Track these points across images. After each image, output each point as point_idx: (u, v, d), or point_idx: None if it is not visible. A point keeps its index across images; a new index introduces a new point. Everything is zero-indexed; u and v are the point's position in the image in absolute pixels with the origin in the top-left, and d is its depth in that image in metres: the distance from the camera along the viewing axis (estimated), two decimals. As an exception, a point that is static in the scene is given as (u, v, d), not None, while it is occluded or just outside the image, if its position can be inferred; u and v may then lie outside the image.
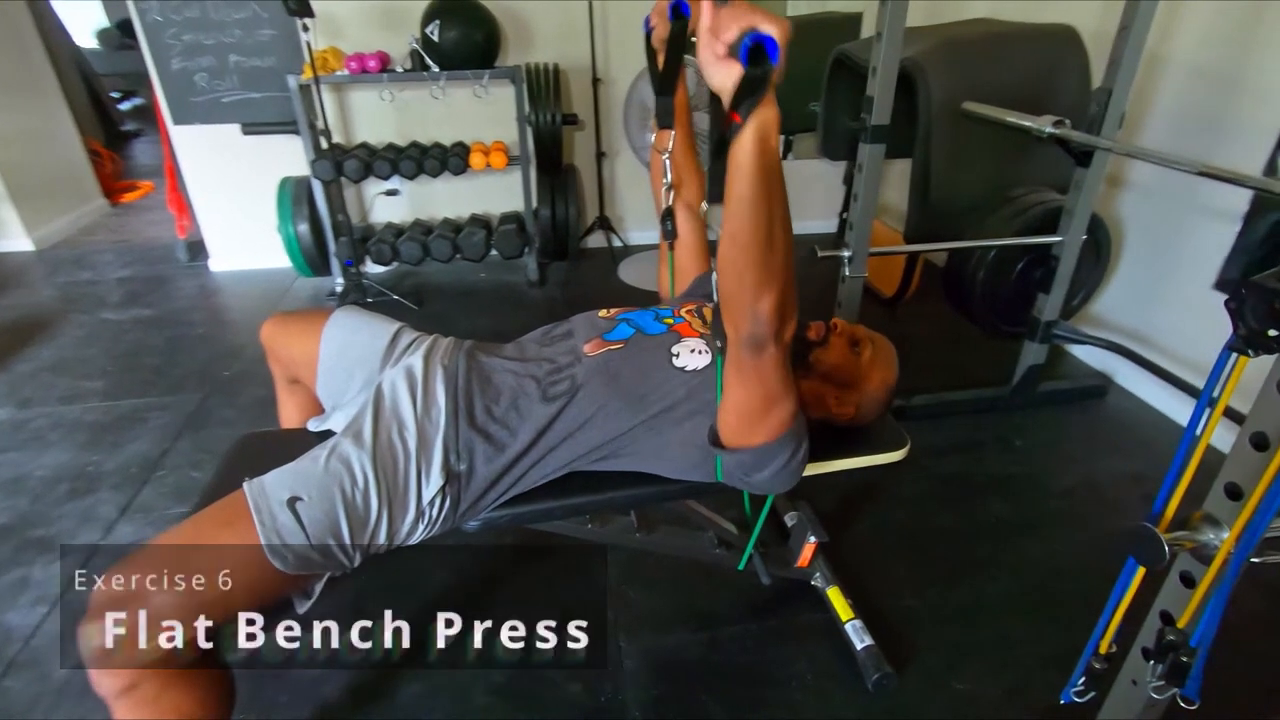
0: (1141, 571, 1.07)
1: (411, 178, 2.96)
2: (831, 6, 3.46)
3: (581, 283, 3.30)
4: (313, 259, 3.06)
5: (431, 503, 1.04)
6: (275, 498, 0.93)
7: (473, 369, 1.17)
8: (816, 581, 1.55)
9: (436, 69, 2.79)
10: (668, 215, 1.32)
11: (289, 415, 1.48)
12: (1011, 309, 2.19)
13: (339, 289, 3.06)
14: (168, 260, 3.49)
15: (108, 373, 2.50)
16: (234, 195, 3.25)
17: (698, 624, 1.53)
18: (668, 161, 1.25)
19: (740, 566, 1.48)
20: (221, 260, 3.43)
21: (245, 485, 0.95)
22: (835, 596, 1.51)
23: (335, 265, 3.08)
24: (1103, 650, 1.17)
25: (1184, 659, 0.98)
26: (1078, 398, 2.29)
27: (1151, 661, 1.02)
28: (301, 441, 1.35)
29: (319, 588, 0.98)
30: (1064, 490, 1.92)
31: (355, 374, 1.25)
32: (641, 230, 3.65)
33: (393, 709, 1.33)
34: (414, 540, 1.06)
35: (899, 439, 1.35)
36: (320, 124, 2.75)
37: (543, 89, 2.90)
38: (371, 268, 3.25)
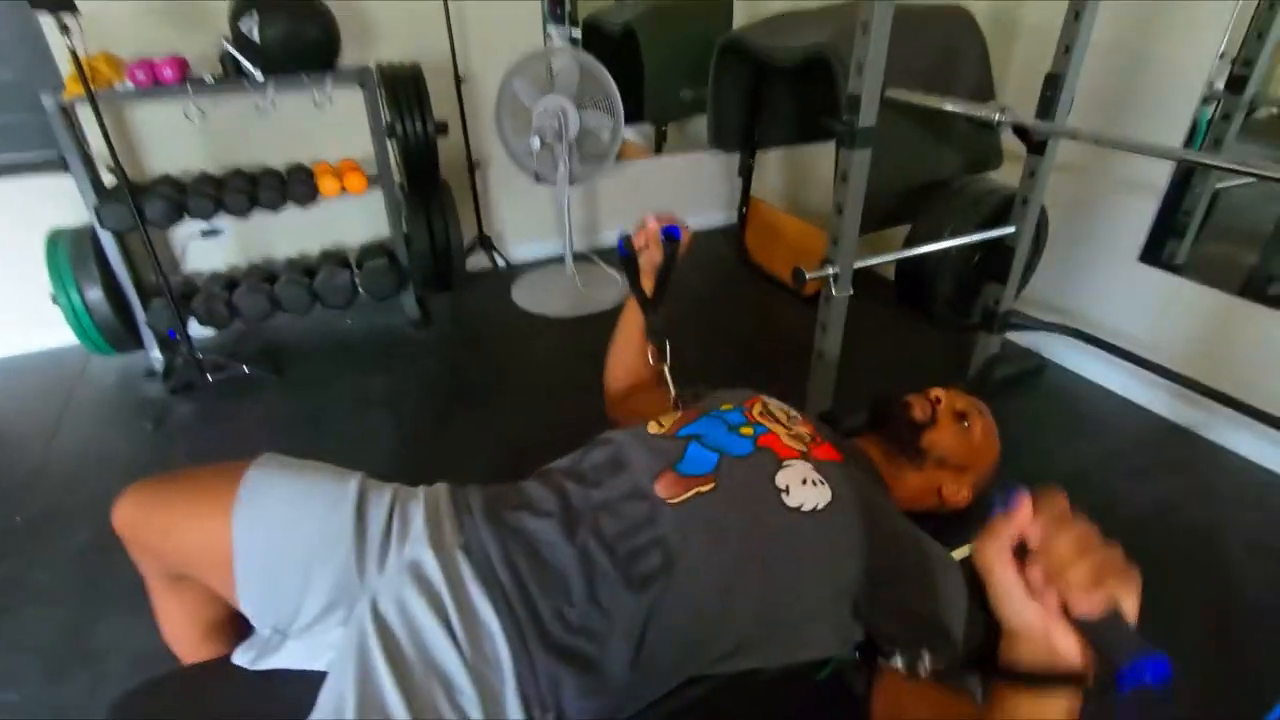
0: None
1: (244, 214, 2.32)
2: (701, -13, 3.23)
3: (475, 317, 2.84)
4: (113, 332, 2.32)
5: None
6: None
7: (510, 545, 0.79)
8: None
9: (259, 75, 2.18)
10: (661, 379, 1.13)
11: (176, 623, 1.00)
12: (969, 302, 2.13)
13: (158, 368, 2.35)
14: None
15: None
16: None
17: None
18: (668, 373, 1.13)
19: (821, 675, 1.23)
20: (-35, 348, 2.52)
21: None
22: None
23: (148, 336, 2.36)
24: None
25: None
26: (1024, 381, 2.30)
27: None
28: (225, 687, 0.89)
29: None
30: (1030, 475, 1.88)
31: (312, 580, 0.81)
32: (525, 244, 3.23)
33: None
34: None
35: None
36: (102, 156, 2.04)
37: (405, 93, 2.39)
38: (198, 329, 2.55)
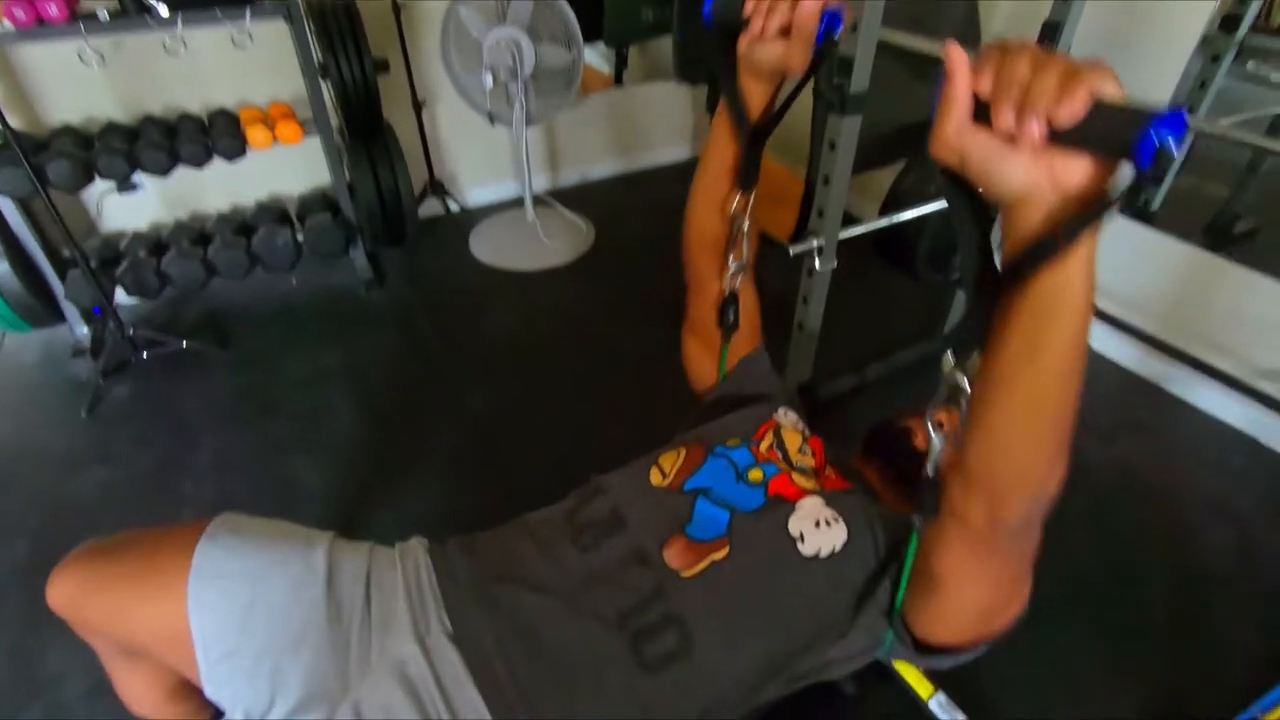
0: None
1: (165, 173, 2.07)
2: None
3: (432, 274, 2.66)
4: (27, 308, 2.10)
5: None
6: None
7: (505, 632, 0.73)
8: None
9: (163, 10, 1.89)
10: (730, 303, 0.92)
11: (136, 692, 0.93)
12: (951, 258, 2.07)
13: (86, 345, 2.15)
14: None
15: None
16: None
17: None
18: (746, 229, 0.88)
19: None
20: None
21: None
22: (904, 668, 1.33)
23: (71, 311, 2.15)
24: None
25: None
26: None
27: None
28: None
29: None
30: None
31: (284, 672, 0.74)
32: (481, 187, 3.02)
33: None
34: None
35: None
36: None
37: (337, 27, 2.12)
38: (124, 298, 2.33)
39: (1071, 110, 0.41)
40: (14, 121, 1.93)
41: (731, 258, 0.92)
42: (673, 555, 0.76)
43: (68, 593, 0.77)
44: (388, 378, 2.14)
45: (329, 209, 2.45)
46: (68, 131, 2.09)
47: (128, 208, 2.39)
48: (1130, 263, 2.07)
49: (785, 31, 0.71)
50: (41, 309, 2.12)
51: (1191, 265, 1.96)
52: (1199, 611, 1.48)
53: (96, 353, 2.10)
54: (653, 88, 3.19)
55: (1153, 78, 1.89)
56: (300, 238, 2.35)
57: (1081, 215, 0.45)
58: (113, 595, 0.77)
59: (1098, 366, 2.17)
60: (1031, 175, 0.46)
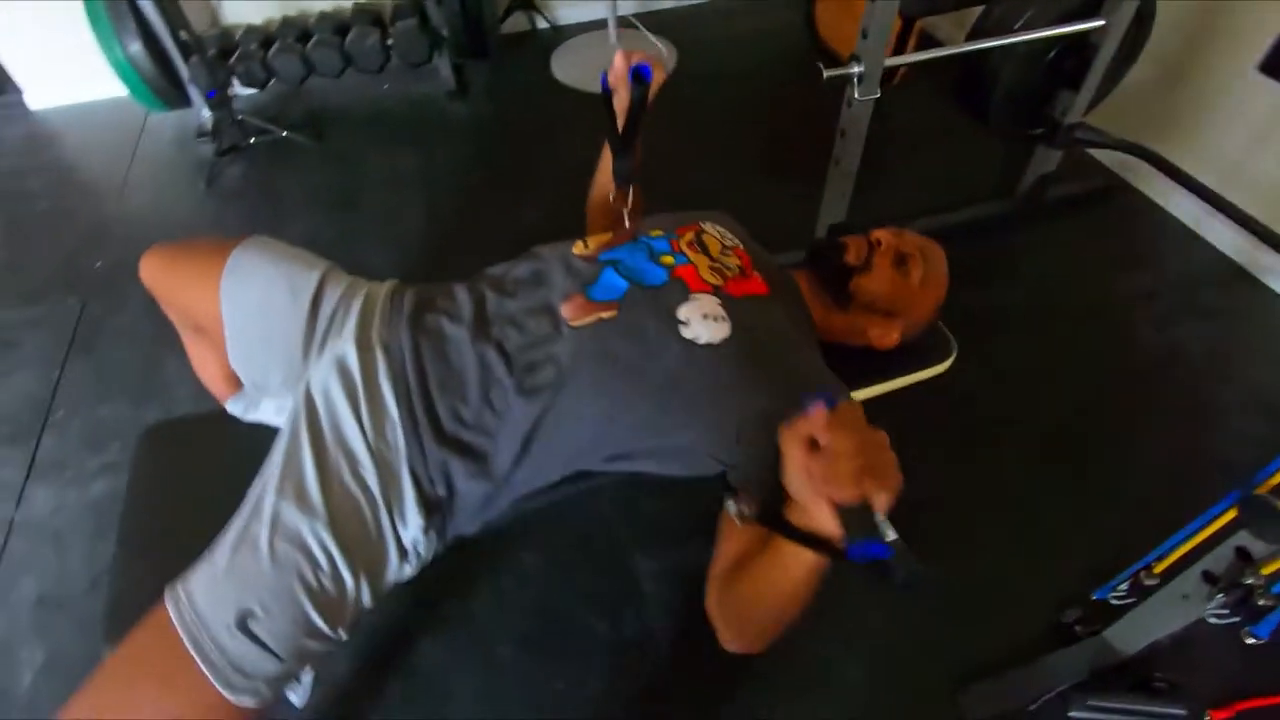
0: (1231, 514, 0.99)
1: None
2: None
3: (512, 90, 2.72)
4: (161, 89, 2.39)
5: (416, 541, 0.84)
6: (218, 624, 0.70)
7: (423, 346, 0.89)
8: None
9: None
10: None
11: (204, 362, 1.20)
12: (1032, 109, 1.88)
13: (208, 126, 2.45)
14: (-34, 99, 2.71)
15: (-55, 280, 2.02)
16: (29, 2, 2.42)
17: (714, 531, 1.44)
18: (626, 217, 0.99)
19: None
20: (41, 93, 2.68)
21: (171, 610, 0.71)
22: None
23: (195, 95, 2.43)
24: (1157, 570, 1.14)
25: (1261, 603, 0.94)
26: (1085, 204, 2.10)
27: (1216, 589, 0.98)
28: (227, 432, 1.09)
29: (309, 678, 0.80)
30: (1077, 319, 1.81)
31: (275, 353, 0.95)
32: (570, 5, 2.97)
33: (413, 678, 1.24)
34: (405, 579, 0.87)
35: (942, 345, 1.17)
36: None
37: None
38: (242, 90, 2.59)
39: (845, 497, 0.55)
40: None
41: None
42: (568, 308, 0.88)
43: (148, 271, 1.02)
44: (456, 185, 2.30)
45: (418, 15, 2.53)
46: (185, -81, 2.25)
47: (247, 5, 2.58)
48: (1259, 132, 1.80)
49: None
50: (172, 91, 2.41)
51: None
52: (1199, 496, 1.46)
53: (216, 135, 2.39)
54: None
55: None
56: (389, 42, 2.47)
57: (813, 541, 0.61)
58: (174, 278, 1.02)
59: (1196, 248, 1.97)
60: (805, 500, 0.59)
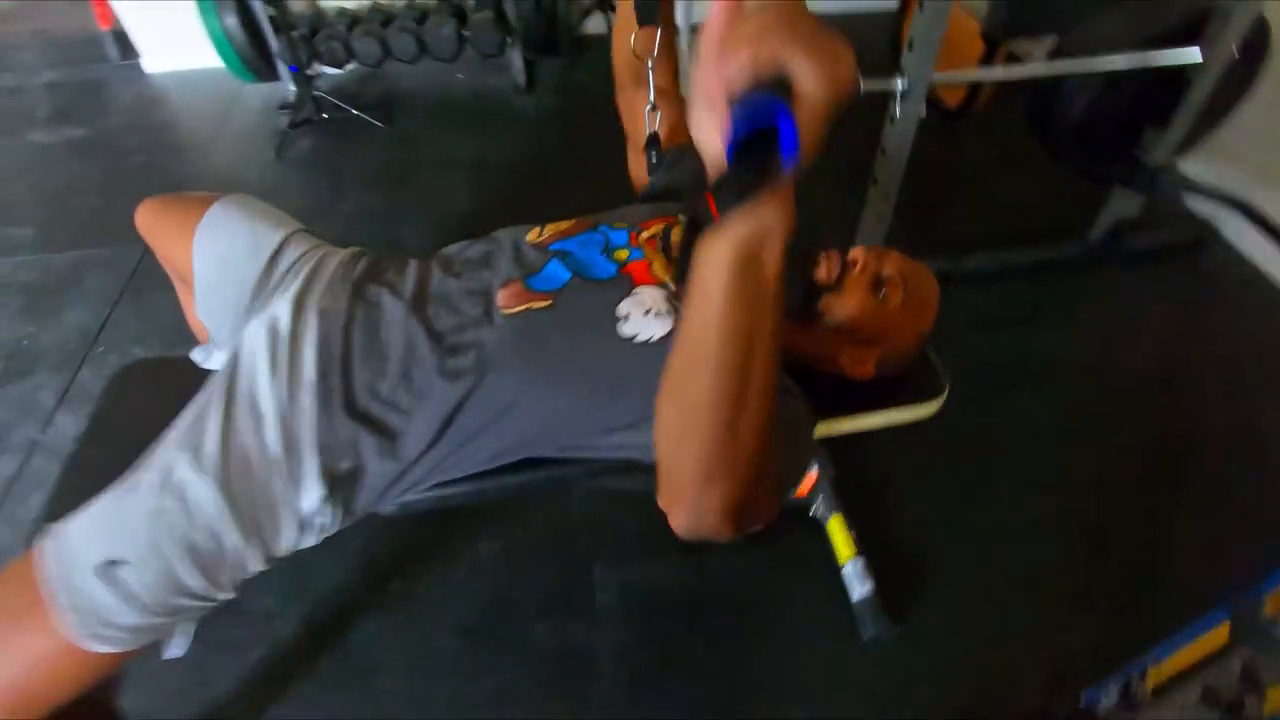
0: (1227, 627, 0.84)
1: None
2: None
3: (580, 91, 2.74)
4: (252, 61, 2.55)
5: (316, 512, 0.82)
6: (83, 566, 0.70)
7: (357, 316, 0.87)
8: (816, 512, 1.35)
9: None
10: (652, 143, 1.02)
11: (188, 311, 1.23)
12: (1111, 145, 1.70)
13: (289, 100, 2.59)
14: (98, 59, 2.98)
15: (38, 217, 2.21)
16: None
17: (685, 553, 1.37)
18: (650, 70, 0.95)
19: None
20: (156, 58, 2.91)
21: (42, 548, 0.72)
22: (836, 529, 1.32)
23: (283, 69, 2.58)
24: (1149, 686, 0.98)
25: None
26: (1167, 255, 1.88)
27: (1216, 710, 0.83)
28: (190, 377, 1.12)
29: (191, 628, 0.80)
30: (1129, 379, 1.62)
31: (228, 306, 0.97)
32: (652, 9, 2.95)
33: (346, 655, 1.24)
34: (306, 546, 0.86)
35: (934, 383, 1.06)
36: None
37: None
38: (326, 70, 2.72)
39: (729, 75, 0.38)
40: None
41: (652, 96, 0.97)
42: (503, 295, 0.84)
43: (142, 220, 1.07)
44: (507, 175, 2.33)
45: (495, 8, 2.58)
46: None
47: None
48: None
49: None
50: (261, 64, 2.56)
51: None
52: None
53: (298, 109, 2.53)
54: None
55: None
56: (465, 33, 2.54)
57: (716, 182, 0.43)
58: (158, 229, 1.06)
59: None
60: (699, 129, 0.42)
